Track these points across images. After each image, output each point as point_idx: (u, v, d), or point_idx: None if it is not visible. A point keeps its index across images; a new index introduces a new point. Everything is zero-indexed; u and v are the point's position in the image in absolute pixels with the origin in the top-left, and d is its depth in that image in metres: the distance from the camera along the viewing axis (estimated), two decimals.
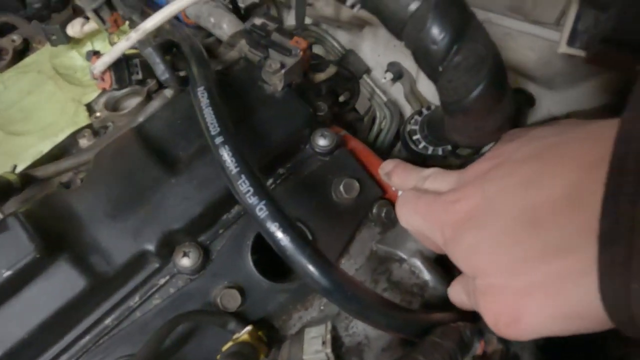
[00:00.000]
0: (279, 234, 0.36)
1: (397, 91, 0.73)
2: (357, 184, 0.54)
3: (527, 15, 0.44)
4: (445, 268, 0.50)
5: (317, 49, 0.77)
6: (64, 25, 0.65)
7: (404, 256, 0.51)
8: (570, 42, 0.37)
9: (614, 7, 0.32)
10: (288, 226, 0.37)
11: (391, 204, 0.55)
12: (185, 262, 0.48)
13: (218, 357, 0.43)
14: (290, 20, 0.78)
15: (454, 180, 0.39)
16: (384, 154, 0.72)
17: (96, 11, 0.54)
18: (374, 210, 0.54)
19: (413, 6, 0.34)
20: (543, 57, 0.47)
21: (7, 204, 0.51)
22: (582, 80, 0.51)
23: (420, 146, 0.60)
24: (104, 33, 0.62)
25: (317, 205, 0.53)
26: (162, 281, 0.49)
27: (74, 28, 0.64)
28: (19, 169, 0.56)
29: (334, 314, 0.49)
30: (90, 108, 0.63)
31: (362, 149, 0.59)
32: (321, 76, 0.61)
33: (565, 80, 0.51)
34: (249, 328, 0.45)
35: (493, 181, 0.34)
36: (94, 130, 0.60)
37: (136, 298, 0.48)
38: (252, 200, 0.38)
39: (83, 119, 0.61)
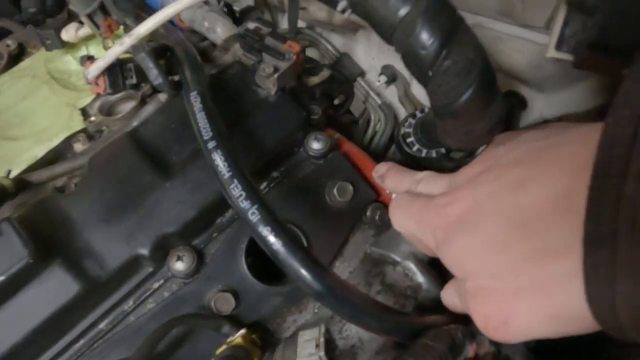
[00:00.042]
0: (271, 238, 0.37)
1: (392, 94, 0.73)
2: (350, 187, 0.54)
3: (517, 19, 0.45)
4: (439, 271, 0.51)
5: (312, 52, 0.77)
6: (58, 30, 0.65)
7: (398, 259, 0.51)
8: (558, 46, 0.38)
9: (600, 12, 0.32)
10: (280, 230, 0.37)
11: (385, 206, 0.55)
12: (179, 265, 0.48)
13: None
14: (284, 24, 0.78)
15: (446, 183, 0.39)
16: (379, 156, 0.72)
17: (90, 16, 0.54)
18: (368, 213, 0.55)
19: (402, 11, 0.34)
20: (533, 61, 0.47)
21: (1, 209, 0.51)
22: (573, 83, 0.51)
23: (414, 149, 0.61)
24: (99, 37, 0.62)
25: (311, 208, 0.54)
26: (156, 285, 0.49)
27: (69, 33, 0.64)
28: (13, 174, 0.56)
29: (328, 317, 0.49)
30: (85, 112, 0.63)
31: (356, 152, 0.60)
32: (315, 80, 0.62)
33: (557, 83, 0.52)
34: (242, 331, 0.45)
35: (483, 185, 0.34)
36: (89, 135, 0.60)
37: (130, 302, 0.49)
38: (244, 204, 0.38)
39: (78, 124, 0.61)
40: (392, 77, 0.70)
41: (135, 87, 0.58)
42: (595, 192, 0.24)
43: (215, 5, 0.70)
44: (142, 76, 0.56)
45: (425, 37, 0.34)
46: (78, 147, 0.59)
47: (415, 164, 0.61)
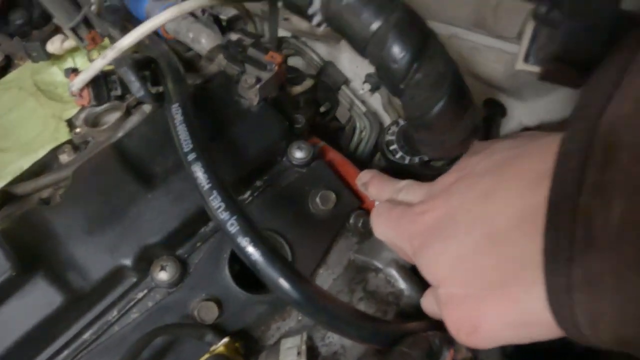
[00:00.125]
0: (250, 249, 0.37)
1: (377, 102, 0.74)
2: (333, 196, 0.55)
3: (489, 31, 0.46)
4: (420, 277, 0.51)
5: (297, 61, 0.78)
6: (44, 42, 0.66)
7: (380, 265, 0.52)
8: (526, 58, 0.39)
9: (564, 26, 0.33)
10: (258, 240, 0.37)
11: (368, 214, 0.55)
12: (163, 275, 0.49)
13: None
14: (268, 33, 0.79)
15: (424, 192, 0.40)
16: (365, 163, 0.73)
17: (74, 29, 0.54)
18: (351, 221, 0.55)
19: (374, 26, 0.35)
20: (509, 70, 0.48)
21: None
22: (550, 92, 0.52)
23: (397, 156, 0.62)
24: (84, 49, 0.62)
25: (294, 216, 0.54)
26: (140, 295, 0.50)
27: (54, 45, 0.65)
28: None
29: (311, 324, 0.49)
30: (71, 124, 0.63)
31: (340, 160, 0.60)
32: (298, 89, 0.62)
33: (534, 92, 0.53)
34: (225, 340, 0.46)
35: (456, 194, 0.35)
36: (75, 146, 0.61)
37: (114, 312, 0.49)
38: (223, 215, 0.38)
39: (64, 135, 0.62)
40: (375, 85, 0.71)
41: (120, 98, 0.59)
42: (552, 204, 0.25)
43: (201, 15, 0.70)
44: (127, 87, 0.57)
45: (396, 51, 0.34)
46: (64, 158, 0.60)
47: (399, 171, 0.62)
